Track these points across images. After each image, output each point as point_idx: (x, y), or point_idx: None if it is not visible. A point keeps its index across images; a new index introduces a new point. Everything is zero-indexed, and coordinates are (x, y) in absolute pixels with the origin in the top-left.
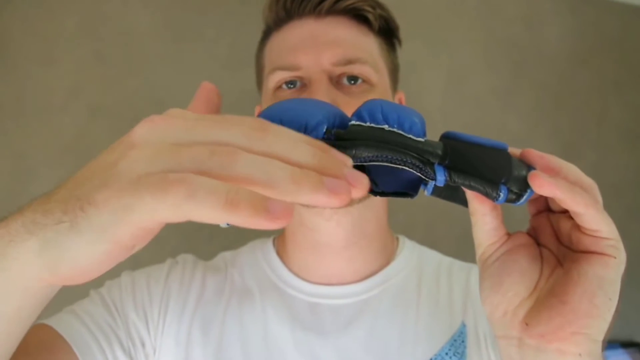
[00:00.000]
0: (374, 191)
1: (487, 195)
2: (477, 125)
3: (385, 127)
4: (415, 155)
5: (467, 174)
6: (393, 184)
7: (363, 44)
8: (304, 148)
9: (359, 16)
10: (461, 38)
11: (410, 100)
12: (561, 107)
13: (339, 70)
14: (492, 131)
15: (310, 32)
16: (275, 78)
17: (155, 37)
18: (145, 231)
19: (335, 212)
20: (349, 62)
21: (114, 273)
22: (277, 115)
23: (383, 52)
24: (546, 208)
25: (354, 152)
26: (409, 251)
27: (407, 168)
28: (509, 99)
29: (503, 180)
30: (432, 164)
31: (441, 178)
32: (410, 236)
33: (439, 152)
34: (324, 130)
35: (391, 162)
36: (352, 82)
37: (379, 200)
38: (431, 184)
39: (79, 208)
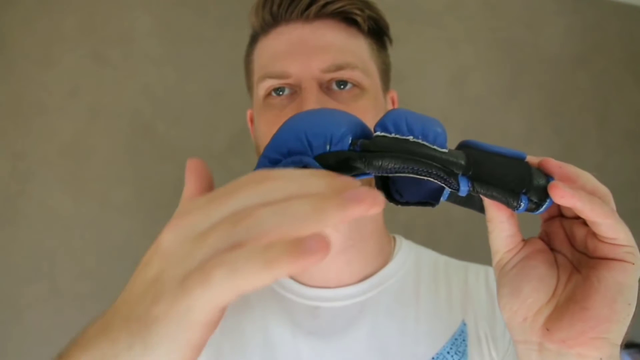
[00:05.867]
0: (398, 201)
1: (507, 205)
2: (478, 125)
3: (410, 138)
4: (439, 166)
5: (490, 184)
6: (416, 194)
7: (353, 48)
8: (314, 180)
9: (347, 19)
10: (462, 39)
11: (411, 100)
12: (562, 107)
13: (328, 76)
14: (493, 132)
15: (298, 38)
16: (264, 86)
17: (155, 37)
18: (210, 325)
19: None
20: (339, 68)
21: None
22: (301, 130)
23: (374, 53)
24: (558, 214)
25: (380, 163)
26: (406, 251)
27: (432, 179)
28: (510, 100)
29: (524, 191)
30: (456, 174)
31: (464, 189)
32: (411, 237)
33: (463, 162)
34: (350, 142)
35: (417, 174)
36: (342, 86)
37: None
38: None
39: (144, 327)
